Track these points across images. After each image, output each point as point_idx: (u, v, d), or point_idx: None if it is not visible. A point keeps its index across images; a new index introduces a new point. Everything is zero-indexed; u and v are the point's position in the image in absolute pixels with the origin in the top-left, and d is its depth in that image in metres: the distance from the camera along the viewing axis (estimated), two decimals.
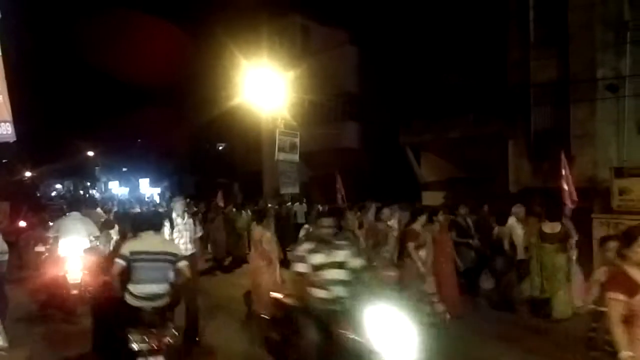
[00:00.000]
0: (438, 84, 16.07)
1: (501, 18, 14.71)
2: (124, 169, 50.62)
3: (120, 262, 4.70)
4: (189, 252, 6.79)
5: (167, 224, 6.49)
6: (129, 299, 4.67)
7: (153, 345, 4.46)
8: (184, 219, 7.16)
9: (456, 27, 15.27)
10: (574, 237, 7.68)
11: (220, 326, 7.44)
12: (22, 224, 13.59)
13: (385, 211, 7.99)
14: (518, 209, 8.69)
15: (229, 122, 24.52)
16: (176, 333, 4.75)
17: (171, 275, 4.80)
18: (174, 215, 7.08)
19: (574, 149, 12.75)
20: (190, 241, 7.08)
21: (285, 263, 8.60)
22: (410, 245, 6.97)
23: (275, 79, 14.52)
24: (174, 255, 4.92)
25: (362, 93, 20.15)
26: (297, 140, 13.55)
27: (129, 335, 4.44)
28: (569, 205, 8.85)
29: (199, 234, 7.66)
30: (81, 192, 51.29)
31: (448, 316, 7.01)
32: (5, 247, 6.45)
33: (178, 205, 7.28)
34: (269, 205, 13.48)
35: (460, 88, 15.40)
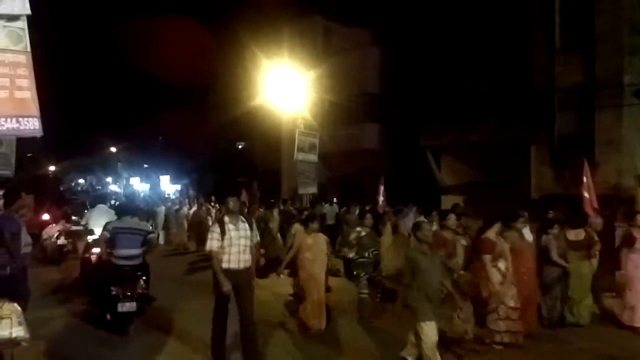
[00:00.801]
0: (460, 86, 15.93)
1: (526, 21, 14.52)
2: (145, 166, 51.28)
3: (105, 234, 6.81)
4: (248, 265, 5.67)
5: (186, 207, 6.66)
6: (113, 260, 6.74)
7: (127, 292, 6.48)
8: (237, 224, 5.68)
9: (481, 29, 15.11)
10: (598, 245, 7.54)
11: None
12: (46, 217, 13.87)
13: (452, 217, 6.93)
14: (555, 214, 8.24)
15: (249, 121, 24.67)
16: (144, 285, 6.82)
17: (141, 243, 6.86)
18: (225, 220, 5.64)
19: (598, 156, 12.53)
20: (248, 251, 5.69)
21: None
22: (486, 257, 6.10)
23: (296, 79, 14.61)
24: (145, 230, 7.11)
25: (383, 94, 20.07)
26: (317, 140, 13.61)
27: (111, 287, 6.46)
28: (590, 213, 8.70)
29: (256, 239, 6.02)
30: (99, 187, 52.10)
31: (520, 338, 6.23)
32: (29, 239, 6.56)
33: (232, 205, 5.75)
34: (305, 206, 13.30)
35: (483, 91, 15.24)
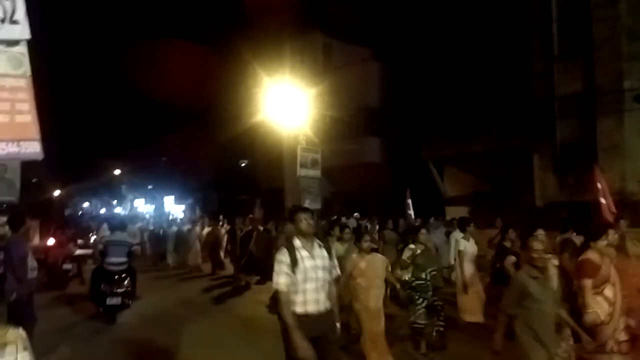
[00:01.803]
0: (461, 97, 15.98)
1: (524, 31, 14.62)
2: (150, 187, 51.37)
3: (100, 246, 9.22)
4: (329, 306, 4.20)
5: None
6: (104, 266, 8.84)
7: (114, 290, 8.52)
8: (312, 251, 4.19)
9: (479, 40, 15.21)
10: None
11: None
12: (51, 241, 13.87)
13: (541, 232, 5.63)
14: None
15: (251, 139, 24.77)
16: (129, 285, 8.78)
17: (127, 254, 8.98)
18: (297, 244, 4.19)
19: (601, 162, 12.47)
20: (327, 287, 4.21)
21: None
22: (586, 283, 4.48)
23: (297, 96, 14.64)
24: (130, 243, 9.28)
25: (384, 108, 20.16)
26: (319, 156, 13.57)
27: (102, 285, 8.57)
28: (609, 218, 8.60)
29: (336, 272, 4.54)
30: (103, 209, 52.19)
31: None
32: (35, 264, 6.57)
33: (306, 225, 4.22)
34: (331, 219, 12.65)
35: (483, 102, 15.28)
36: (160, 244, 17.83)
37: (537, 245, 4.46)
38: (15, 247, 6.19)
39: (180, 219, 22.72)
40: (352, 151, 20.39)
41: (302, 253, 4.12)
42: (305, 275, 4.05)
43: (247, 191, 28.78)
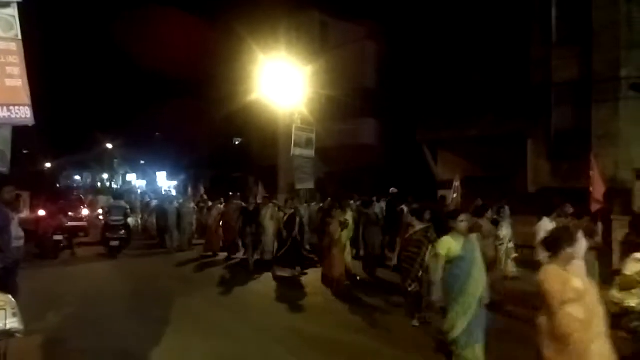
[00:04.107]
0: (457, 81, 15.90)
1: (523, 16, 14.49)
2: (142, 162, 51.17)
3: (105, 208, 15.73)
4: None
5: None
6: (108, 222, 13.78)
7: (114, 236, 13.46)
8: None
9: (477, 24, 15.08)
10: (599, 236, 7.49)
11: None
12: (42, 213, 13.84)
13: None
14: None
15: (246, 117, 24.60)
16: (124, 234, 13.77)
17: (124, 214, 14.13)
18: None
19: (595, 150, 12.51)
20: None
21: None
22: None
23: (293, 74, 14.54)
24: (125, 208, 14.62)
25: (380, 89, 20.04)
26: (313, 135, 13.54)
27: (106, 233, 13.62)
28: (596, 206, 8.74)
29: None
30: (99, 184, 51.98)
31: None
32: (21, 233, 6.54)
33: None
34: (352, 201, 12.04)
35: (480, 86, 15.22)
36: (165, 221, 15.41)
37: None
38: None
39: (180, 196, 20.93)
40: (347, 131, 20.33)
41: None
42: None
43: (240, 169, 28.72)
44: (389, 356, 5.91)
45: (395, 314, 7.57)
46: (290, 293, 9.27)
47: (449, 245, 5.02)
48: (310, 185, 13.66)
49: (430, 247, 6.78)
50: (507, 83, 14.53)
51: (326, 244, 9.75)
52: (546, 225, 7.07)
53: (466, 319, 4.81)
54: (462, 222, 5.13)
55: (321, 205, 13.88)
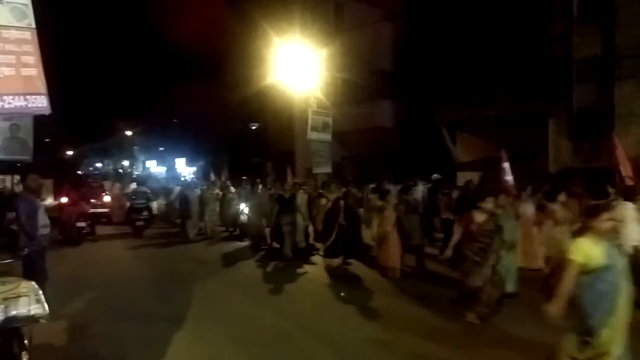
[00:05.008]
0: (476, 59, 15.59)
1: None
2: (161, 149, 51.60)
3: (129, 192, 17.40)
4: None
5: None
6: (133, 205, 15.53)
7: (138, 217, 15.15)
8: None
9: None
10: None
11: None
12: (64, 200, 14.11)
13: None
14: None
15: (262, 101, 24.59)
16: (147, 215, 15.54)
17: (146, 198, 15.77)
18: None
19: (617, 128, 12.24)
20: None
21: None
22: None
23: (308, 57, 14.42)
24: (147, 192, 16.18)
25: (397, 70, 19.79)
26: (330, 119, 13.47)
27: (132, 215, 15.36)
28: (629, 183, 8.61)
29: None
30: (120, 170, 52.61)
31: None
32: (47, 221, 6.66)
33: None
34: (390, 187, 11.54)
35: (499, 63, 14.90)
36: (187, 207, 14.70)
37: None
38: (22, 204, 6.26)
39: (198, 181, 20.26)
40: (364, 114, 20.18)
41: None
42: None
43: (257, 154, 28.78)
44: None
45: (446, 308, 6.56)
46: (336, 283, 8.70)
47: (589, 250, 3.61)
48: (327, 169, 13.61)
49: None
50: (527, 60, 14.22)
51: (381, 231, 9.02)
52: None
53: (620, 348, 3.60)
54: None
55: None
